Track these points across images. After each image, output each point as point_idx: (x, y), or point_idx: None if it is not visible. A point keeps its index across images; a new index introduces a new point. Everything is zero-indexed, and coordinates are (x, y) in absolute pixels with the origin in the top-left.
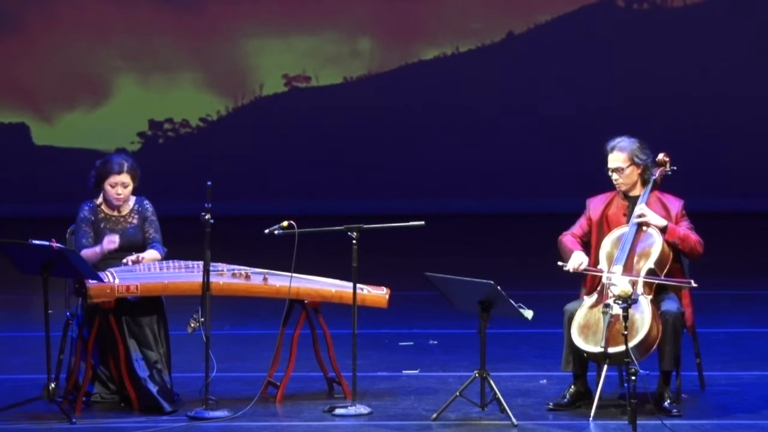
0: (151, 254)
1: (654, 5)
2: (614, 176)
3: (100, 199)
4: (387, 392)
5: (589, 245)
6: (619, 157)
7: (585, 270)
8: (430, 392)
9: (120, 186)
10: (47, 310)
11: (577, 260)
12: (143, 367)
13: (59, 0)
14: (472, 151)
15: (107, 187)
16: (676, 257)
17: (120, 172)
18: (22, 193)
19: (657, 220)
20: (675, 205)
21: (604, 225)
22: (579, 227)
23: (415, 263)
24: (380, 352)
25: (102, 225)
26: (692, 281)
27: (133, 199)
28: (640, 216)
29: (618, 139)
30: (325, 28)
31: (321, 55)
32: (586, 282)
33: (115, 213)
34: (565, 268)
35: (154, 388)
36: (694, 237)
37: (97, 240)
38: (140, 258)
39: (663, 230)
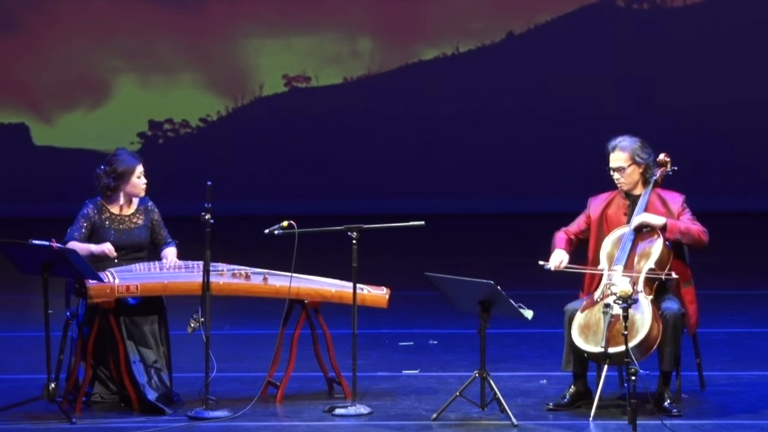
0: (174, 253)
1: (654, 5)
2: (615, 175)
3: (117, 198)
4: (387, 392)
5: (583, 243)
6: (621, 156)
7: (567, 268)
8: (430, 392)
9: (143, 175)
10: (47, 310)
11: (557, 259)
12: (141, 372)
13: (59, 0)
14: (472, 151)
15: (135, 180)
16: (679, 255)
17: (140, 162)
18: (22, 193)
19: (655, 219)
20: (676, 200)
21: (603, 224)
22: (576, 224)
23: (415, 263)
24: (380, 352)
25: (107, 224)
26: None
27: (136, 199)
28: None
29: (619, 139)
30: (325, 28)
31: (321, 55)
32: (585, 282)
33: (121, 212)
34: (545, 267)
35: (152, 396)
36: (695, 228)
37: (93, 239)
38: (171, 262)
39: (663, 228)
